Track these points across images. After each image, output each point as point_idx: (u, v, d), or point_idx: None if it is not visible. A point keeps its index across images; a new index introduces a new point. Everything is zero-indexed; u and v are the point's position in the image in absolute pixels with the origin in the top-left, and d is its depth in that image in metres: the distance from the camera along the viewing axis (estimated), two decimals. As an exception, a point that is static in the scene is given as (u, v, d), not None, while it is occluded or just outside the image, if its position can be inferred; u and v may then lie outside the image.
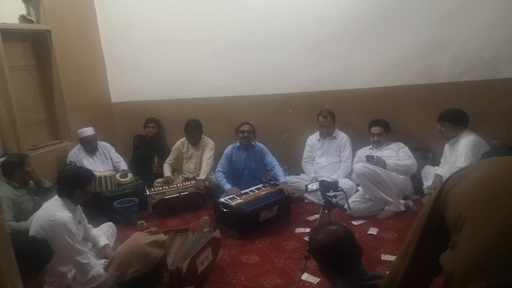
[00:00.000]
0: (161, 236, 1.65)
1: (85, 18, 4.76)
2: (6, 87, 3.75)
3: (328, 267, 1.61)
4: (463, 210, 0.97)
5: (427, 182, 3.88)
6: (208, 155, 4.46)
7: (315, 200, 4.08)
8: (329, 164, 4.27)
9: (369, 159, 3.78)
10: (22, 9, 4.14)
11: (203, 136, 4.56)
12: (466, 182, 1.03)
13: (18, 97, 3.90)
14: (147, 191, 4.12)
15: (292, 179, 4.27)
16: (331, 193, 2.59)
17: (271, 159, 4.19)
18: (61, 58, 4.32)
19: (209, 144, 4.53)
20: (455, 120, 3.56)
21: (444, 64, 4.03)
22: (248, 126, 4.13)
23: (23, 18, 4.06)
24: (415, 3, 3.98)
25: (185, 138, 4.57)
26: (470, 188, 1.01)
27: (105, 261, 2.79)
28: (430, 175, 3.91)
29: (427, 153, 4.19)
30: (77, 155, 4.25)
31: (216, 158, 4.66)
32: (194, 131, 4.45)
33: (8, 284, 1.04)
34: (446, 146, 3.74)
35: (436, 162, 3.99)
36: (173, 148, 4.61)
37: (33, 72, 4.27)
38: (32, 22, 4.10)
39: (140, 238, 1.61)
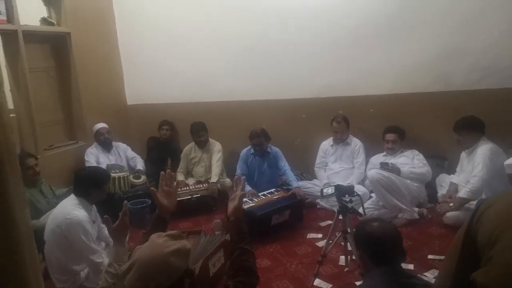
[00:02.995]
0: (185, 244, 1.47)
1: (104, 22, 4.84)
2: (26, 88, 3.83)
3: (368, 256, 1.63)
4: (496, 227, 1.00)
5: (442, 190, 3.84)
6: (216, 157, 4.49)
7: (328, 206, 4.06)
8: (342, 170, 4.25)
9: (384, 166, 3.76)
10: (43, 12, 4.23)
11: (210, 138, 4.59)
12: (498, 205, 1.05)
13: (37, 97, 3.98)
14: (160, 193, 4.14)
15: (305, 184, 4.26)
16: (346, 198, 2.58)
17: (283, 163, 4.19)
18: (80, 60, 4.40)
19: (216, 146, 4.56)
20: (472, 128, 3.51)
21: (460, 72, 4.00)
22: (258, 139, 4.11)
23: (44, 21, 4.15)
24: (432, 9, 3.97)
25: (192, 143, 4.61)
26: (503, 209, 1.03)
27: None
28: (445, 183, 3.86)
29: (442, 161, 4.15)
30: (94, 151, 4.33)
31: (229, 161, 4.69)
32: (199, 130, 4.48)
33: (31, 272, 1.06)
34: (463, 154, 3.69)
35: (451, 171, 3.94)
36: (182, 155, 4.66)
37: (52, 73, 4.35)
38: (53, 24, 4.19)
39: (161, 244, 1.41)
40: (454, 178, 3.75)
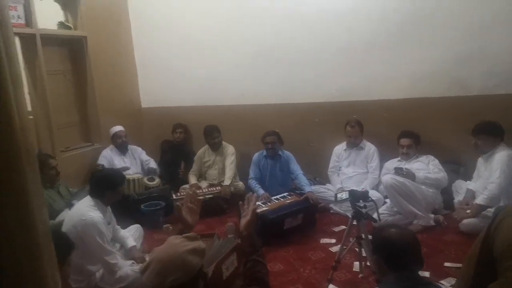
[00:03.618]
0: (200, 244, 1.56)
1: (119, 26, 4.91)
2: (44, 90, 3.89)
3: (384, 261, 1.62)
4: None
5: (458, 197, 3.77)
6: (230, 160, 4.49)
7: (341, 211, 4.03)
8: (355, 175, 4.21)
9: (398, 171, 3.71)
10: (61, 16, 4.30)
11: (223, 142, 4.60)
12: None
13: (54, 100, 4.04)
14: (173, 195, 4.17)
15: (318, 189, 4.23)
16: (360, 203, 2.55)
17: (295, 167, 4.18)
18: (95, 64, 4.46)
19: (229, 149, 4.57)
20: (492, 132, 3.43)
21: (477, 77, 3.94)
22: (271, 137, 4.13)
23: (61, 25, 4.22)
24: (448, 14, 3.92)
25: (206, 146, 4.63)
26: None
27: (133, 262, 2.85)
28: (461, 189, 3.79)
29: (458, 167, 4.08)
30: (108, 154, 4.38)
31: (242, 164, 4.69)
32: (213, 133, 4.50)
33: (48, 271, 1.07)
34: (480, 160, 3.62)
35: (467, 177, 3.87)
36: (195, 157, 4.68)
37: (68, 76, 4.42)
38: (69, 28, 4.26)
39: (178, 244, 1.51)
40: (470, 185, 3.68)
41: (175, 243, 1.52)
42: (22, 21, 3.63)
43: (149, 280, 1.45)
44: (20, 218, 1.03)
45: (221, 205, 4.21)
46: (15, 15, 3.55)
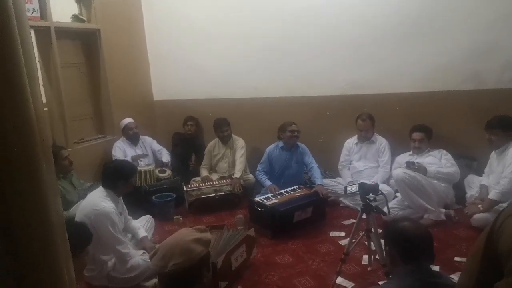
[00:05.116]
0: (207, 235, 1.66)
1: (132, 19, 4.94)
2: (58, 83, 3.96)
3: (397, 253, 1.64)
4: None
5: (471, 191, 3.73)
6: (240, 153, 4.51)
7: (351, 205, 4.02)
8: (366, 169, 4.20)
9: (410, 165, 3.68)
10: (74, 9, 4.35)
11: (232, 135, 4.63)
12: None
13: (68, 92, 4.11)
14: (184, 187, 4.22)
15: (328, 182, 4.23)
16: (370, 197, 2.55)
17: (310, 159, 4.16)
18: (109, 56, 4.51)
19: (239, 142, 4.59)
20: (505, 127, 3.38)
21: (492, 70, 3.87)
22: (295, 125, 4.12)
23: (75, 18, 4.27)
24: (463, 6, 3.85)
25: (215, 139, 4.66)
26: None
27: (144, 252, 2.90)
28: (474, 184, 3.75)
29: (471, 161, 4.03)
30: (121, 146, 4.45)
31: (251, 157, 4.71)
32: (223, 126, 4.52)
33: (62, 259, 1.11)
34: (493, 154, 3.58)
35: (480, 171, 3.82)
36: (206, 151, 4.71)
37: (82, 69, 4.48)
38: (83, 21, 4.31)
39: (187, 233, 1.64)
40: (484, 180, 3.64)
41: (184, 233, 1.65)
42: (37, 14, 3.69)
43: (154, 264, 1.58)
44: (35, 207, 1.06)
45: (232, 200, 4.24)
46: (30, 8, 3.61)
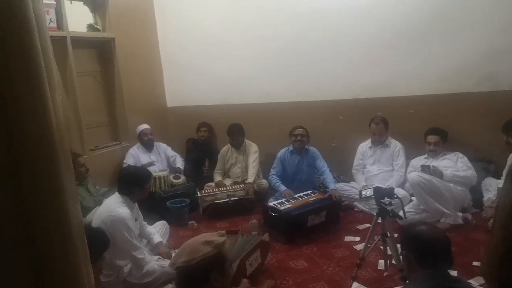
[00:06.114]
0: (221, 239, 1.71)
1: (146, 27, 5.02)
2: (74, 91, 4.03)
3: (414, 257, 1.63)
4: None
5: (488, 195, 3.67)
6: (253, 158, 4.53)
7: (366, 209, 3.99)
8: (380, 173, 4.17)
9: (425, 168, 3.64)
10: (90, 19, 4.44)
11: (245, 140, 4.64)
12: None
13: (84, 100, 4.18)
14: (198, 193, 4.25)
15: (342, 186, 4.21)
16: (385, 201, 2.53)
17: (322, 163, 4.16)
18: (123, 65, 4.58)
19: (252, 147, 4.61)
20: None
21: (507, 71, 3.82)
22: (301, 130, 4.14)
23: (90, 27, 4.35)
24: (477, 7, 3.81)
25: (228, 144, 4.68)
26: None
27: (159, 257, 2.92)
28: (492, 187, 3.69)
29: (488, 164, 3.96)
30: (135, 152, 4.51)
31: (265, 162, 4.72)
32: (236, 133, 4.56)
33: (82, 265, 1.13)
34: (510, 157, 3.51)
35: (498, 174, 3.76)
36: (219, 156, 4.74)
37: (97, 77, 4.57)
38: (98, 30, 4.39)
39: (203, 235, 1.74)
40: (501, 184, 3.58)
41: (202, 235, 1.75)
42: (53, 24, 3.77)
43: (171, 261, 1.73)
44: (56, 214, 1.09)
45: (245, 205, 4.26)
46: (48, 19, 3.69)
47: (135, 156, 4.48)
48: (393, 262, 2.64)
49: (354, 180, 4.35)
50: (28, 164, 0.99)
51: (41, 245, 1.06)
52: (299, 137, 4.11)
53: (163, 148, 4.77)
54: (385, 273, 2.85)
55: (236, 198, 4.22)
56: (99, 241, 2.25)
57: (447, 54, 4.01)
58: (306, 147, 4.19)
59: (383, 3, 4.16)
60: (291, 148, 4.23)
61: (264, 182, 4.54)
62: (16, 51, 0.94)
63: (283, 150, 4.27)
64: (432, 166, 3.67)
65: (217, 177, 4.63)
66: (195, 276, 1.62)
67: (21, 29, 0.95)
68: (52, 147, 1.04)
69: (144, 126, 4.61)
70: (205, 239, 1.67)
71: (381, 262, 2.93)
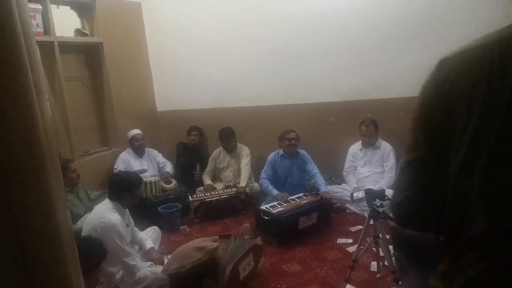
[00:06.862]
0: (213, 244, 1.70)
1: (134, 31, 4.99)
2: (62, 96, 3.98)
3: (405, 258, 1.64)
4: None
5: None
6: (245, 161, 4.52)
7: (357, 211, 4.01)
8: (371, 174, 4.19)
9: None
10: (77, 23, 4.40)
11: (238, 144, 4.63)
12: None
13: (72, 105, 4.13)
14: (190, 197, 4.22)
15: (334, 189, 4.22)
16: (377, 202, 2.54)
17: (312, 166, 4.17)
18: (112, 69, 4.54)
19: (244, 150, 4.60)
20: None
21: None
22: (294, 133, 4.13)
23: (78, 32, 4.31)
24: (468, 8, 3.83)
25: (220, 148, 4.66)
26: None
27: (151, 264, 2.89)
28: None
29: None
30: (125, 157, 4.46)
31: (256, 166, 4.71)
32: (229, 137, 4.55)
33: (73, 273, 1.11)
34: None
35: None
36: (210, 158, 4.72)
37: (86, 82, 4.52)
38: (86, 35, 4.35)
39: (196, 241, 1.75)
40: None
41: (195, 241, 1.76)
42: (40, 29, 3.72)
43: (164, 268, 1.74)
44: (45, 221, 1.07)
45: (236, 206, 4.24)
46: (34, 24, 3.64)
47: (126, 161, 4.44)
48: (386, 263, 2.65)
49: (345, 182, 4.36)
50: (15, 171, 0.97)
51: (30, 251, 1.05)
52: (293, 141, 4.10)
53: (154, 155, 4.73)
54: (378, 275, 2.85)
55: (227, 196, 4.22)
56: (97, 251, 2.21)
57: (436, 55, 3.94)
58: (297, 150, 4.19)
59: (373, 5, 4.18)
60: (281, 152, 4.22)
61: (256, 185, 4.53)
62: (1, 56, 0.92)
63: (273, 154, 4.27)
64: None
65: (207, 180, 4.60)
66: (188, 283, 1.60)
67: (6, 34, 0.94)
68: (40, 154, 1.02)
69: (136, 131, 4.57)
70: (197, 245, 1.67)
71: (374, 264, 2.93)
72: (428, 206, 0.86)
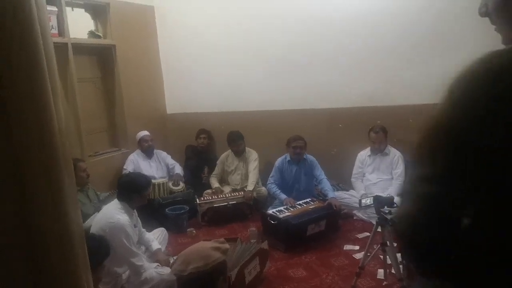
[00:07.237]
0: (226, 245, 1.77)
1: (146, 34, 5.04)
2: (74, 97, 4.04)
3: (413, 266, 1.60)
4: None
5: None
6: (253, 165, 4.53)
7: (365, 217, 3.98)
8: (380, 181, 4.16)
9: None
10: (91, 25, 4.46)
11: (246, 147, 4.64)
12: None
13: (84, 106, 4.18)
14: (197, 199, 4.24)
15: (341, 195, 4.21)
16: (385, 209, 2.52)
17: (319, 172, 4.16)
18: (123, 71, 4.59)
19: (252, 154, 4.61)
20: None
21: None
22: (300, 141, 4.12)
23: (91, 34, 4.37)
24: (478, 19, 3.81)
25: (228, 151, 4.68)
26: None
27: (158, 265, 2.90)
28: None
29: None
30: (134, 159, 4.49)
31: (265, 170, 4.71)
32: (237, 140, 4.56)
33: (83, 272, 1.13)
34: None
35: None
36: (218, 161, 4.73)
37: (98, 83, 4.58)
38: (99, 37, 4.41)
39: (206, 243, 1.80)
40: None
41: (204, 242, 1.81)
42: (55, 31, 3.79)
43: (174, 269, 1.69)
44: (57, 219, 1.09)
45: (243, 211, 4.25)
46: (49, 26, 3.71)
47: (135, 162, 4.48)
48: (393, 271, 2.64)
49: (353, 189, 4.34)
50: (30, 170, 1.00)
51: (41, 250, 1.06)
52: (298, 149, 4.11)
53: (163, 156, 4.76)
54: (385, 283, 2.83)
55: (234, 202, 4.22)
56: (100, 249, 2.24)
57: (446, 63, 4.01)
58: (304, 156, 4.19)
59: (382, 11, 4.18)
60: (288, 157, 4.23)
61: (263, 189, 4.53)
62: (21, 56, 0.95)
63: (280, 159, 4.28)
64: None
65: (215, 183, 4.61)
66: (204, 282, 1.63)
67: (26, 34, 0.96)
68: (54, 153, 1.04)
69: (144, 133, 4.61)
70: (212, 245, 1.72)
71: (381, 271, 2.91)
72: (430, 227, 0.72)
